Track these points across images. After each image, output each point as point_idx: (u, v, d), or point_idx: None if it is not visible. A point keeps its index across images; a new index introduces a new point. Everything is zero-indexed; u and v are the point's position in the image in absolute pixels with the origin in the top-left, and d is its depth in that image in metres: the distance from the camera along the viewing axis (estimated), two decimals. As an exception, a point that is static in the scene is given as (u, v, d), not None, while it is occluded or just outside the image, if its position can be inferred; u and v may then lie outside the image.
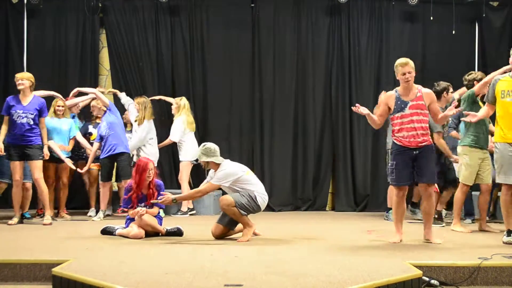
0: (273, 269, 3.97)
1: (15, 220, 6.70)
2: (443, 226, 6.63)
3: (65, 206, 7.77)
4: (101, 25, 9.24)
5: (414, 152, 5.22)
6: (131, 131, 7.92)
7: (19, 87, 6.67)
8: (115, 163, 7.33)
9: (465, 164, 6.15)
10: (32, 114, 6.63)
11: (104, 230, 5.84)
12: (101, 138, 7.32)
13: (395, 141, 5.31)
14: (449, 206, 7.15)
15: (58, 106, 7.54)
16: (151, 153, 7.63)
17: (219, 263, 4.19)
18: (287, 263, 4.23)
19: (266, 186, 6.08)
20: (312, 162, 9.18)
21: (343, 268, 4.01)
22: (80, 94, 7.85)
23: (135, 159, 7.57)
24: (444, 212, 7.08)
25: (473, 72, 6.78)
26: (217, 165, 5.58)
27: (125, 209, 5.79)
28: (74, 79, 8.95)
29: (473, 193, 7.08)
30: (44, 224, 6.63)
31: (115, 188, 8.21)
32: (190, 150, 7.88)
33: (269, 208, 8.02)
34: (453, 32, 9.05)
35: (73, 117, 7.95)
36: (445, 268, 4.20)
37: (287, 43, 9.26)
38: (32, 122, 6.64)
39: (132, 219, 5.70)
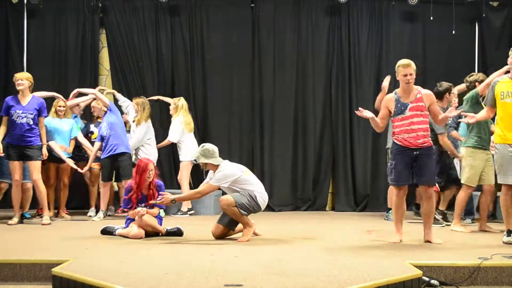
0: (273, 269, 3.97)
1: (15, 220, 6.70)
2: (443, 226, 6.64)
3: (65, 206, 7.78)
4: (101, 25, 9.24)
5: (415, 153, 5.21)
6: (129, 131, 7.92)
7: (18, 87, 6.67)
8: (116, 163, 7.33)
9: (469, 165, 6.15)
10: (31, 114, 6.64)
11: (104, 230, 5.84)
12: (102, 138, 7.32)
13: (395, 141, 5.31)
14: (449, 206, 7.15)
15: (59, 106, 7.54)
16: (150, 153, 7.64)
17: (219, 263, 4.19)
18: (287, 263, 4.23)
19: (266, 186, 6.08)
20: (312, 162, 9.18)
21: (343, 268, 4.01)
22: (80, 94, 7.86)
23: (133, 159, 7.57)
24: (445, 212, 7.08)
25: (474, 73, 6.79)
26: (215, 166, 5.57)
27: (125, 210, 5.79)
28: (74, 79, 8.96)
29: (473, 193, 7.07)
30: (43, 224, 6.64)
31: (116, 188, 8.20)
32: (190, 150, 7.88)
33: (269, 208, 8.02)
34: (453, 32, 9.05)
35: (75, 117, 7.96)
36: (445, 268, 4.20)
37: (287, 43, 9.26)
38: (31, 122, 6.64)
39: (132, 219, 5.70)
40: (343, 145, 9.19)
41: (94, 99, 7.79)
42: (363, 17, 9.29)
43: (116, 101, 8.29)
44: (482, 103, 6.09)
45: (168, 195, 5.51)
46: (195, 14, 9.19)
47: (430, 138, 5.32)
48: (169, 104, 8.27)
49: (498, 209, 6.78)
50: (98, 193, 7.72)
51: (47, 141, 7.00)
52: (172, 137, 8.00)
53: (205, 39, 9.19)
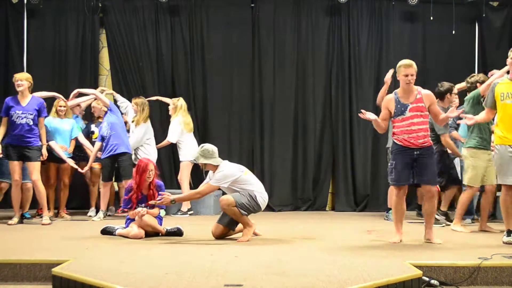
0: (273, 269, 3.97)
1: (15, 220, 6.70)
2: (443, 226, 6.64)
3: (65, 206, 7.78)
4: (101, 25, 9.24)
5: (415, 153, 5.21)
6: (128, 131, 7.92)
7: (18, 88, 6.67)
8: (116, 163, 7.33)
9: (471, 166, 6.15)
10: (31, 114, 6.63)
11: (104, 230, 5.84)
12: (102, 138, 7.32)
13: (395, 141, 5.30)
14: (450, 206, 7.15)
15: (60, 106, 7.55)
16: (149, 153, 7.65)
17: (219, 263, 4.19)
18: (287, 263, 4.23)
19: (266, 186, 6.08)
20: (312, 162, 9.18)
21: (343, 268, 4.01)
22: (81, 95, 7.86)
23: (133, 159, 7.56)
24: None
25: (475, 74, 6.81)
26: (215, 167, 5.56)
27: (125, 210, 5.79)
28: (74, 79, 8.96)
29: (473, 193, 7.08)
30: (43, 224, 6.64)
31: (116, 188, 8.20)
32: (190, 150, 7.87)
33: (269, 208, 8.02)
34: (453, 32, 9.06)
35: (76, 117, 7.97)
36: (445, 268, 4.20)
37: (287, 43, 9.26)
38: (31, 123, 6.63)
39: (132, 219, 5.70)
40: (343, 145, 9.19)
41: (95, 99, 7.80)
42: (363, 17, 9.29)
43: (115, 101, 8.29)
44: (483, 104, 6.10)
45: (168, 196, 5.51)
46: (195, 14, 9.19)
47: (430, 138, 5.33)
48: (168, 105, 8.27)
49: (498, 209, 6.78)
50: (99, 193, 7.72)
51: (48, 141, 7.00)
52: (171, 137, 8.00)
53: (205, 39, 9.19)
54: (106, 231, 5.82)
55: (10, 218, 6.77)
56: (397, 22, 9.32)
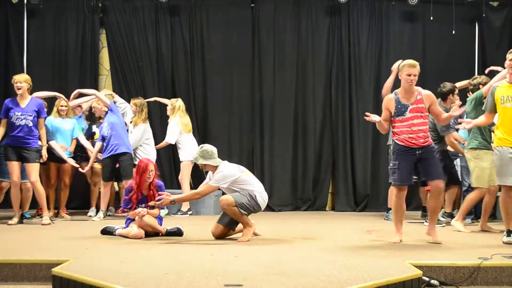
0: (273, 269, 3.97)
1: (15, 220, 6.70)
2: (443, 226, 6.63)
3: (65, 206, 7.78)
4: (101, 25, 9.25)
5: (417, 152, 5.19)
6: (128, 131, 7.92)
7: (17, 91, 6.65)
8: (117, 163, 7.33)
9: (477, 167, 6.15)
10: (30, 115, 6.63)
11: (104, 230, 5.84)
12: (103, 138, 7.32)
13: (396, 141, 5.28)
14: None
15: (61, 106, 7.55)
16: (149, 153, 7.65)
17: (219, 263, 4.18)
18: (287, 263, 4.22)
19: (266, 186, 6.08)
20: (312, 162, 9.19)
21: (343, 268, 4.01)
22: (81, 95, 7.85)
23: (131, 159, 7.57)
24: (441, 212, 7.08)
25: (477, 76, 6.83)
26: (214, 167, 5.56)
27: (125, 210, 5.79)
28: (74, 79, 8.97)
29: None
30: (43, 224, 6.63)
31: (117, 189, 8.20)
32: (189, 150, 7.87)
33: (269, 208, 8.03)
34: (453, 32, 9.07)
35: (79, 117, 7.97)
36: (445, 268, 4.19)
37: (287, 43, 9.26)
38: (31, 124, 6.63)
39: (132, 219, 5.70)
40: (343, 145, 9.19)
41: (96, 99, 7.80)
42: (363, 17, 9.29)
43: (114, 102, 8.29)
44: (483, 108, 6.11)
45: (167, 196, 5.51)
46: (195, 14, 9.20)
47: (431, 138, 5.33)
48: (166, 105, 8.27)
49: (498, 209, 6.77)
50: (99, 193, 7.72)
51: (48, 141, 7.00)
52: (169, 138, 8.00)
53: (205, 39, 9.19)
54: (106, 231, 5.82)
55: (10, 218, 6.77)
56: (397, 22, 9.33)
